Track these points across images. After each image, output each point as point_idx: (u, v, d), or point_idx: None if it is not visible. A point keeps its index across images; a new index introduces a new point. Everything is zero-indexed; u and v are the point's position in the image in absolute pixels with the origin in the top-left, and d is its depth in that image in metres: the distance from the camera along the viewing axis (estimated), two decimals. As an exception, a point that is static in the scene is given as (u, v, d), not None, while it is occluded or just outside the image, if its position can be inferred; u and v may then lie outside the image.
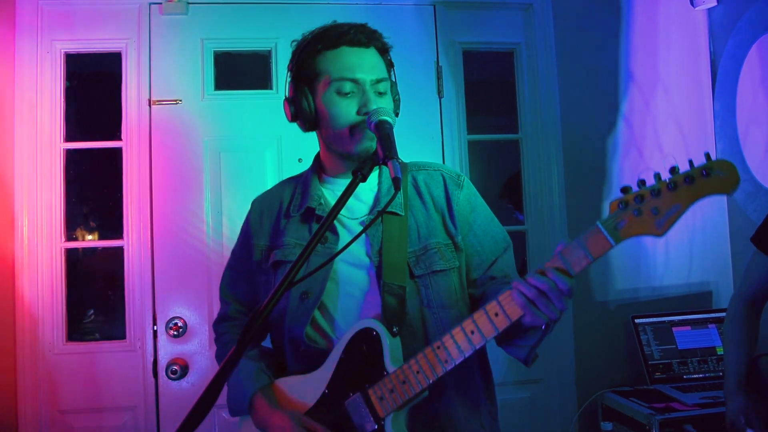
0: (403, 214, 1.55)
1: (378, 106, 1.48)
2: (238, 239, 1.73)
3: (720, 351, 2.75)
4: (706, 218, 3.02)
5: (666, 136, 3.06)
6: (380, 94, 1.53)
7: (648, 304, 2.95)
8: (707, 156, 1.13)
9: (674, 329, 2.81)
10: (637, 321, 2.82)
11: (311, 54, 1.55)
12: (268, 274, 1.60)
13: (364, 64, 1.52)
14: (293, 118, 1.59)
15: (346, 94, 1.50)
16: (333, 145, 1.57)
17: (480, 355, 1.62)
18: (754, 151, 2.81)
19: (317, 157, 1.69)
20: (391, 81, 1.61)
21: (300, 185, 1.66)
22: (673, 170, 1.14)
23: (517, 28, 3.00)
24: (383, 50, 1.58)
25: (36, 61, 2.67)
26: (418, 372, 1.36)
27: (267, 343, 1.70)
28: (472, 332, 1.33)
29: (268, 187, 1.78)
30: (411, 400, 1.37)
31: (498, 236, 1.62)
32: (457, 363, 1.34)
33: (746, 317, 2.07)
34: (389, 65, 1.60)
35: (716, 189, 1.12)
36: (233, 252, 1.75)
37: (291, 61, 1.60)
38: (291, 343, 1.53)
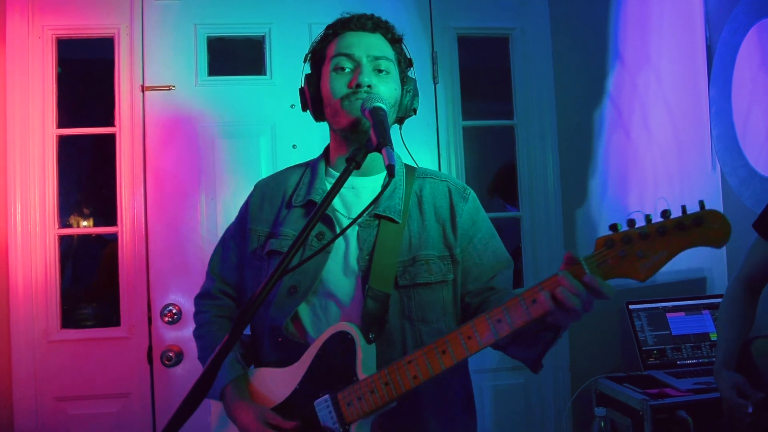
0: (400, 221, 1.54)
1: (370, 81, 1.51)
2: (236, 219, 1.74)
3: (713, 337, 2.76)
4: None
5: (660, 122, 3.06)
6: (380, 71, 1.55)
7: (642, 290, 2.96)
8: (701, 204, 1.10)
9: (668, 315, 2.82)
10: (631, 307, 2.82)
11: (321, 42, 1.62)
12: (261, 261, 1.60)
13: (362, 42, 1.56)
14: (304, 107, 1.65)
15: (343, 69, 1.54)
16: (333, 123, 1.59)
17: (462, 367, 1.63)
18: (749, 137, 2.80)
19: (327, 147, 1.70)
20: (406, 73, 1.64)
21: (308, 174, 1.66)
22: (665, 214, 1.12)
23: (512, 12, 2.98)
24: (393, 40, 1.61)
25: (27, 46, 2.64)
26: (386, 384, 1.34)
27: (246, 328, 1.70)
28: (443, 352, 1.29)
29: (263, 174, 1.79)
30: (377, 409, 1.36)
31: (499, 252, 1.60)
32: (424, 380, 1.31)
33: (744, 299, 2.08)
34: (401, 56, 1.63)
35: (706, 241, 1.09)
36: (228, 230, 1.75)
37: (307, 53, 1.66)
38: (271, 332, 1.53)
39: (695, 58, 3.08)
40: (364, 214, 1.52)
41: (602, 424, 2.27)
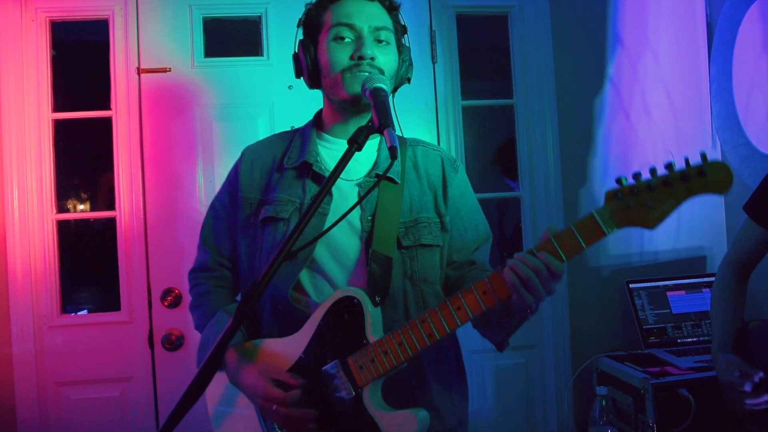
0: (399, 182, 1.55)
1: (373, 53, 1.50)
2: (225, 187, 1.69)
3: (714, 315, 2.77)
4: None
5: (660, 101, 3.04)
6: (380, 41, 1.53)
7: (642, 269, 2.96)
8: (703, 156, 1.18)
9: (668, 294, 2.83)
10: (631, 286, 2.83)
11: (317, 8, 1.58)
12: (255, 228, 1.58)
13: (363, 12, 1.53)
14: (298, 73, 1.62)
15: (343, 39, 1.52)
16: (331, 94, 1.57)
17: (454, 339, 1.65)
18: (750, 114, 2.79)
19: (318, 113, 1.69)
20: (401, 42, 1.62)
21: (298, 138, 1.65)
22: (670, 167, 1.19)
23: (511, -10, 2.95)
24: (391, 8, 1.59)
25: (20, 29, 2.61)
26: (400, 344, 1.36)
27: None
28: (458, 308, 1.33)
29: None
30: (390, 371, 1.38)
31: (480, 226, 1.66)
32: (439, 338, 1.35)
33: (735, 283, 2.07)
34: (398, 24, 1.61)
35: (710, 189, 1.18)
36: (219, 198, 1.70)
37: (300, 18, 1.62)
38: (272, 300, 1.53)
39: (695, 36, 3.05)
40: (364, 180, 1.55)
41: (604, 402, 2.27)
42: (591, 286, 2.94)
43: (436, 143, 2.78)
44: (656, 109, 3.03)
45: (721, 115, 2.92)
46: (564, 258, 1.27)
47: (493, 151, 3.28)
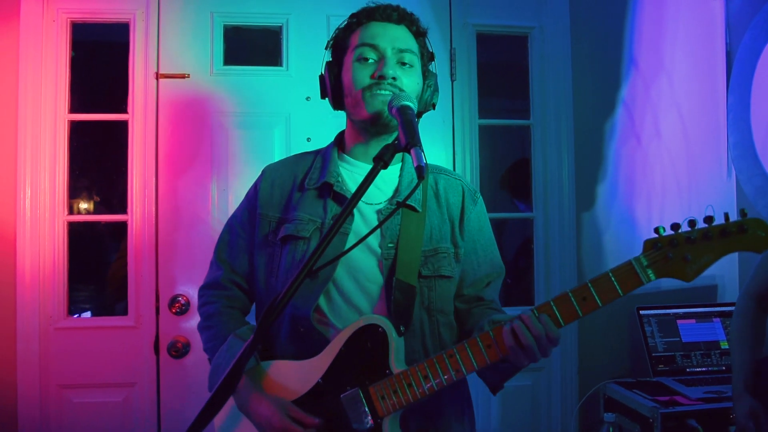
0: (420, 210, 1.54)
1: (395, 73, 1.51)
2: (243, 204, 1.68)
3: (724, 345, 2.75)
4: (714, 212, 2.99)
5: (674, 128, 3.03)
6: (404, 64, 1.54)
7: (652, 296, 2.94)
8: (743, 212, 1.19)
9: (679, 322, 2.80)
10: (641, 312, 2.81)
11: (345, 30, 1.60)
12: (273, 247, 1.57)
13: (388, 34, 1.55)
14: (323, 94, 1.64)
15: (366, 59, 1.53)
16: (352, 114, 1.58)
17: None
18: (767, 145, 2.78)
19: (340, 134, 1.69)
20: (427, 68, 1.63)
21: (319, 159, 1.64)
22: (709, 220, 1.20)
23: (532, 10, 2.94)
24: (418, 33, 1.61)
25: (41, 29, 2.60)
26: (425, 377, 1.35)
27: (251, 318, 1.67)
28: (489, 346, 1.33)
29: None
30: (413, 402, 1.36)
31: (495, 261, 1.65)
32: (467, 374, 1.34)
33: (756, 315, 2.06)
34: (424, 49, 1.62)
35: (749, 247, 1.19)
36: (236, 216, 1.69)
37: (329, 41, 1.64)
38: (292, 321, 1.50)
39: (714, 64, 3.05)
40: (385, 206, 1.54)
41: (611, 429, 2.25)
42: (600, 311, 2.88)
43: (452, 161, 2.80)
44: (669, 134, 3.02)
45: (737, 145, 2.91)
46: (600, 304, 1.29)
47: (507, 171, 3.28)
